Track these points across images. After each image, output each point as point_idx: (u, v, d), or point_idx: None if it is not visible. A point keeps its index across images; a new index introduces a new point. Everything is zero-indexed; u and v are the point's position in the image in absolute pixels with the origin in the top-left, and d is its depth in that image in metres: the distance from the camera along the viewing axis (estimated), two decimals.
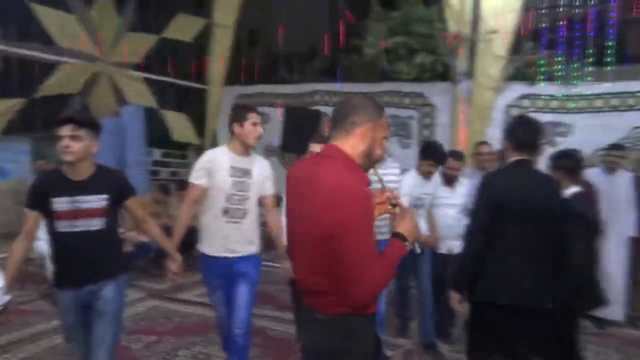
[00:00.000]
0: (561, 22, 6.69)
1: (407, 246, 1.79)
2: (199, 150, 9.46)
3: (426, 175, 3.89)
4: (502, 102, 6.83)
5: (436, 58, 6.96)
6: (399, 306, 4.28)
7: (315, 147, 3.27)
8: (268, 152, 8.47)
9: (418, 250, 1.94)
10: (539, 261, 2.60)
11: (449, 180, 4.12)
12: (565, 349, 3.05)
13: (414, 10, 7.26)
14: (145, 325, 4.42)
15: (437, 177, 4.07)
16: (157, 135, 8.57)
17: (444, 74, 7.06)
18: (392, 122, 7.54)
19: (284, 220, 1.99)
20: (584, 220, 2.96)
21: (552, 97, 6.58)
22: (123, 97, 7.96)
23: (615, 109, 6.29)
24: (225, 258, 2.97)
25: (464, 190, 4.10)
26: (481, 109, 6.77)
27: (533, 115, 6.70)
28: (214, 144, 9.12)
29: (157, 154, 8.82)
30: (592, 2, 6.61)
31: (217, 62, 8.90)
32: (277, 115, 8.54)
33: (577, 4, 6.67)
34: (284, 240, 2.52)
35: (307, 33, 9.08)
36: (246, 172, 2.98)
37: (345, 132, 1.77)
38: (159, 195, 6.32)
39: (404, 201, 3.70)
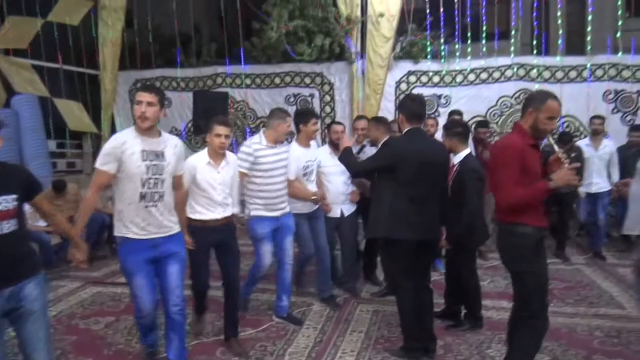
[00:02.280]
0: (441, 7, 7.66)
1: (551, 185, 2.60)
2: (98, 139, 9.12)
3: (306, 143, 4.22)
4: (392, 78, 7.69)
5: (333, 40, 7.55)
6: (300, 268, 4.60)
7: (221, 129, 3.33)
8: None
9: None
10: (434, 205, 3.28)
11: (336, 147, 4.33)
12: (458, 274, 3.88)
13: None
14: (97, 309, 4.38)
15: (319, 147, 4.65)
16: (51, 125, 8.15)
17: (341, 55, 7.70)
18: (295, 101, 8.07)
19: None
20: (477, 175, 3.73)
21: (435, 73, 7.58)
22: (11, 87, 7.47)
23: (484, 81, 7.45)
24: (151, 239, 2.92)
25: None
26: (375, 85, 7.54)
27: (419, 89, 7.78)
28: (112, 132, 8.86)
29: (51, 144, 8.36)
30: None
31: (108, 46, 8.62)
32: (179, 99, 8.59)
33: None
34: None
35: (184, 14, 8.99)
36: (159, 155, 2.87)
37: (522, 114, 2.78)
38: (50, 193, 5.58)
39: (294, 174, 4.10)
